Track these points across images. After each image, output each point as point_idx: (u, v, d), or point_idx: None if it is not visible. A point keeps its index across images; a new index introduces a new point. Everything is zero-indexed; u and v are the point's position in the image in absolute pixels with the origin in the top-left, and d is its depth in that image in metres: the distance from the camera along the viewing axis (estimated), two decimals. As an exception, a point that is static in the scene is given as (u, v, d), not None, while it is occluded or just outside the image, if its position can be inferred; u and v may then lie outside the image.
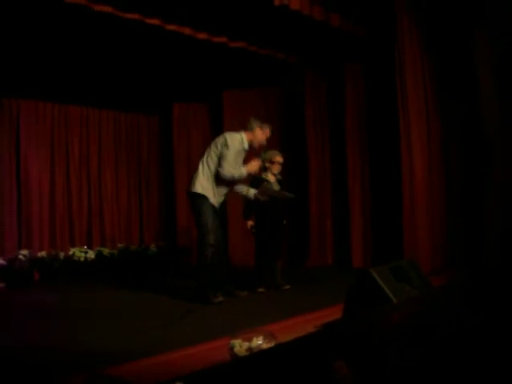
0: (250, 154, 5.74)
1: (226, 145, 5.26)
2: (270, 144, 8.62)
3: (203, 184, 5.29)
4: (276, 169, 6.01)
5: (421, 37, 6.64)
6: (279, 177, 6.12)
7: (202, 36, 6.67)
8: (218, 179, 5.32)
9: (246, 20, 6.53)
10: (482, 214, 6.29)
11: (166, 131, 9.76)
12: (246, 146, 5.44)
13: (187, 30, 6.46)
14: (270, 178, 6.01)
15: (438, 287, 4.38)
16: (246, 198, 5.83)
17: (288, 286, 5.93)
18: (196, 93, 8.96)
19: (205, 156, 5.41)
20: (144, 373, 3.03)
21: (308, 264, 8.23)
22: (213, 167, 5.31)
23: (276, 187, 5.98)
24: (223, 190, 5.45)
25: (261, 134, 5.48)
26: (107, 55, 7.19)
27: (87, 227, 8.95)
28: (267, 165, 5.98)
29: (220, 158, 5.25)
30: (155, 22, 6.17)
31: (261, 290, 5.83)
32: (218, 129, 8.12)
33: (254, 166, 5.47)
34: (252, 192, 5.64)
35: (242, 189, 5.66)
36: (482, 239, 6.23)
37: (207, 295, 5.16)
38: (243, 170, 5.37)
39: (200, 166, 5.38)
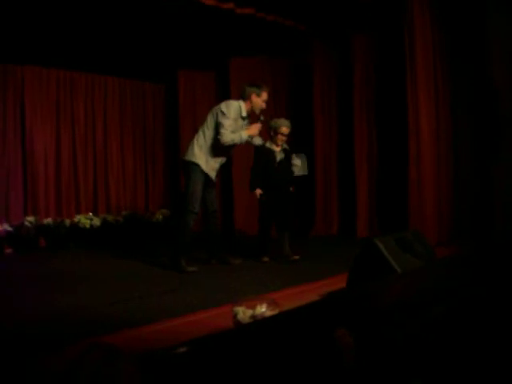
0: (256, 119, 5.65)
1: (222, 112, 5.24)
2: (277, 112, 8.71)
3: (195, 152, 5.31)
4: (280, 140, 5.84)
5: (431, 9, 6.51)
6: (285, 146, 5.97)
7: (210, 2, 6.55)
8: (213, 148, 5.32)
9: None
10: (491, 186, 6.25)
11: (171, 98, 9.69)
12: (243, 113, 5.38)
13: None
14: (275, 147, 5.88)
15: (442, 258, 4.36)
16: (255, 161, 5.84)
17: (297, 257, 5.79)
18: (202, 60, 8.85)
19: (202, 125, 5.46)
20: (146, 339, 3.04)
21: (313, 233, 8.25)
22: (208, 136, 5.32)
23: (280, 156, 5.87)
24: (218, 159, 5.42)
25: (257, 99, 5.38)
26: (113, 21, 7.07)
27: (93, 194, 8.97)
28: (272, 134, 5.87)
29: (218, 126, 5.23)
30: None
31: (265, 259, 5.80)
32: (224, 97, 8.00)
33: (254, 128, 5.40)
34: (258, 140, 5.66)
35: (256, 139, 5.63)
36: (490, 211, 6.21)
37: (180, 263, 5.20)
38: (243, 134, 5.30)
39: (195, 135, 5.44)
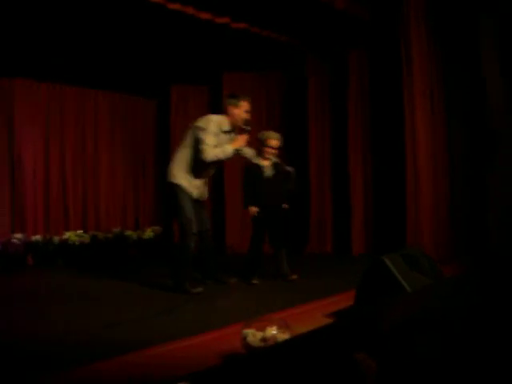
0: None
1: (200, 128, 4.92)
2: (271, 126, 8.60)
3: (175, 173, 5.05)
4: (268, 153, 5.51)
5: (427, 21, 6.52)
6: (275, 160, 5.62)
7: (205, 16, 6.48)
8: (194, 166, 5.03)
9: (249, 0, 6.36)
10: (486, 201, 6.22)
11: (163, 114, 9.57)
12: (225, 127, 5.05)
13: (190, 10, 6.27)
14: (263, 162, 5.55)
15: (450, 277, 4.28)
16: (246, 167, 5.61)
17: (295, 276, 5.54)
18: (196, 75, 8.78)
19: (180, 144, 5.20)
20: (145, 365, 2.88)
21: (307, 250, 8.15)
22: (187, 154, 5.03)
23: (269, 172, 5.56)
24: (201, 178, 5.15)
25: (236, 110, 5.07)
26: (105, 34, 6.97)
27: (82, 211, 8.79)
28: (260, 147, 5.54)
29: (198, 143, 4.90)
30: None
31: (255, 281, 5.45)
32: (217, 112, 7.93)
33: (240, 140, 5.05)
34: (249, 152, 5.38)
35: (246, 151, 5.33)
36: (487, 227, 6.16)
37: (184, 286, 4.94)
38: (228, 148, 4.96)
39: (174, 155, 5.18)
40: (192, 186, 5.06)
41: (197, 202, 5.16)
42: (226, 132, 5.08)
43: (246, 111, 5.11)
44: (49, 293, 5.40)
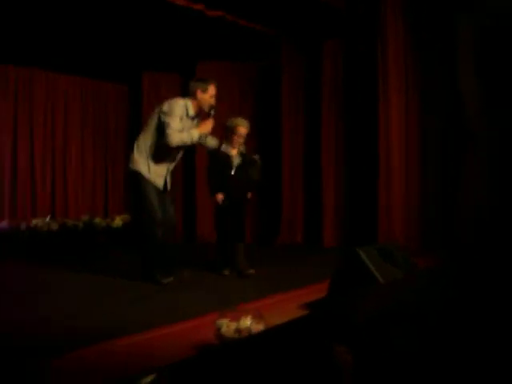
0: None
1: (164, 112, 4.67)
2: (244, 116, 8.55)
3: (135, 158, 4.81)
4: (236, 142, 5.31)
5: (404, 16, 6.54)
6: (242, 149, 5.42)
7: (181, 2, 6.38)
8: (157, 153, 4.79)
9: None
10: (458, 197, 6.29)
11: (134, 101, 9.43)
12: (191, 112, 4.81)
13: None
14: (230, 150, 5.35)
15: (424, 269, 4.32)
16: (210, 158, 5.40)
17: (252, 271, 5.30)
18: (169, 63, 8.65)
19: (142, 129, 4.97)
20: (120, 353, 2.85)
21: (278, 241, 8.13)
22: (149, 139, 4.78)
23: (236, 161, 5.35)
24: (164, 165, 4.89)
25: (203, 95, 4.82)
26: (78, 17, 6.81)
27: (50, 198, 8.62)
28: (228, 135, 5.32)
29: (163, 127, 4.65)
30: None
31: (226, 272, 5.36)
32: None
33: (206, 125, 4.85)
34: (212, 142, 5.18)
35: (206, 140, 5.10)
36: (458, 220, 6.24)
37: (154, 275, 4.78)
38: (194, 133, 4.74)
39: (135, 141, 4.93)
40: (155, 173, 4.82)
41: (161, 192, 4.90)
42: (190, 117, 4.86)
43: (212, 96, 4.88)
44: (17, 282, 5.29)
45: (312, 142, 8.08)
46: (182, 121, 4.75)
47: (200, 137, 4.87)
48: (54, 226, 7.90)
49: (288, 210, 8.25)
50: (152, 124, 4.80)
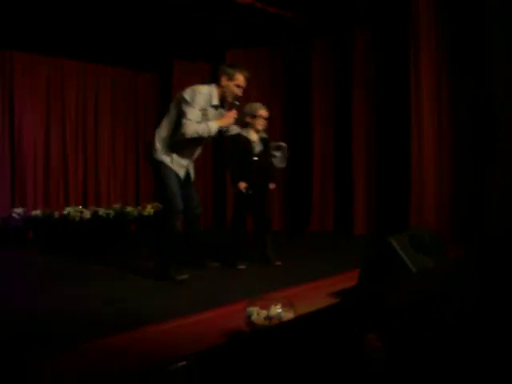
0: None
1: (185, 100, 4.34)
2: (274, 105, 8.53)
3: (157, 147, 4.49)
4: (260, 124, 5.07)
5: (436, 6, 6.41)
6: (263, 134, 5.20)
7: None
8: (178, 142, 4.46)
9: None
10: (489, 186, 6.18)
11: (165, 89, 9.45)
12: (214, 101, 4.46)
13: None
14: (252, 136, 5.10)
15: (453, 258, 4.26)
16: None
17: (279, 263, 5.13)
18: (198, 51, 8.66)
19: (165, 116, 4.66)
20: (150, 341, 2.87)
21: (309, 229, 8.11)
22: (170, 128, 4.48)
23: (258, 148, 5.12)
24: (185, 155, 4.56)
25: (228, 82, 4.46)
26: (107, 7, 6.84)
27: (82, 187, 8.74)
28: (248, 120, 5.07)
29: (181, 116, 4.35)
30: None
31: (242, 266, 5.07)
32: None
33: (228, 118, 4.49)
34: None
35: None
36: (489, 209, 6.13)
37: (168, 271, 4.46)
38: (212, 125, 4.38)
39: (157, 128, 4.63)
40: (175, 164, 4.51)
41: (183, 182, 4.62)
42: (214, 106, 4.50)
43: (239, 86, 4.51)
44: (48, 270, 5.37)
45: (343, 129, 8.01)
46: (205, 111, 4.42)
47: (220, 128, 4.52)
48: (86, 215, 8.00)
49: (318, 198, 8.21)
50: (173, 112, 4.49)
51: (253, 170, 5.04)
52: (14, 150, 7.90)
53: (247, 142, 5.06)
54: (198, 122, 4.34)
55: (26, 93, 8.00)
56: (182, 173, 4.57)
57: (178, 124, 4.41)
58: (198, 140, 4.52)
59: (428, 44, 6.43)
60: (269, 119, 5.19)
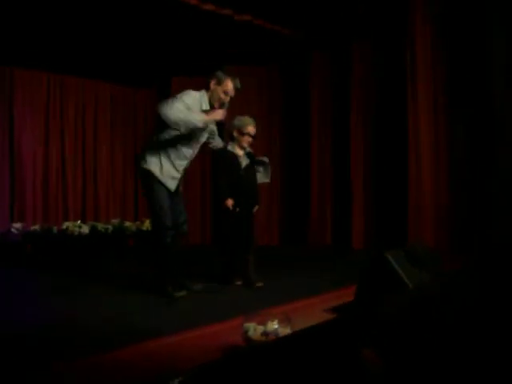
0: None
1: (174, 97, 4.23)
2: (273, 121, 8.59)
3: (147, 157, 4.34)
4: (246, 142, 4.86)
5: (432, 13, 6.48)
6: (248, 149, 4.95)
7: (208, 7, 6.44)
8: (169, 151, 4.32)
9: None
10: (489, 197, 6.19)
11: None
12: (204, 106, 4.32)
13: (194, 1, 6.24)
14: (237, 151, 4.89)
15: (451, 272, 4.26)
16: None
17: (261, 284, 4.82)
18: (196, 67, 8.70)
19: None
20: (152, 355, 2.89)
21: (307, 243, 8.13)
22: (160, 138, 4.31)
23: (245, 162, 4.91)
24: (177, 165, 4.40)
25: (216, 87, 4.32)
26: (106, 24, 6.92)
27: (81, 201, 8.80)
28: (235, 135, 4.86)
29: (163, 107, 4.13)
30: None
31: (238, 282, 4.94)
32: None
33: (217, 114, 4.26)
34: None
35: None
36: (489, 221, 6.14)
37: (166, 288, 4.37)
38: (197, 115, 4.18)
39: (148, 140, 4.51)
40: (165, 174, 4.35)
41: (173, 193, 4.46)
42: (204, 111, 4.32)
43: (227, 92, 4.35)
44: (46, 284, 5.38)
45: (340, 143, 8.06)
46: (192, 111, 4.23)
47: (206, 123, 4.25)
48: (85, 230, 8.02)
49: (316, 211, 8.24)
50: (162, 124, 4.22)
51: (240, 185, 4.83)
52: (13, 165, 7.96)
53: (233, 157, 4.87)
54: (183, 111, 4.12)
55: (26, 108, 8.09)
56: (172, 185, 4.42)
57: (167, 132, 4.27)
58: (190, 146, 4.40)
59: (424, 57, 6.50)
60: (254, 137, 4.95)
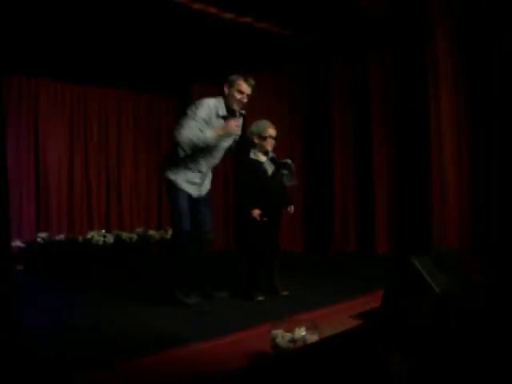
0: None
1: (186, 114, 4.32)
2: (294, 125, 8.58)
3: (167, 166, 4.46)
4: (269, 145, 4.74)
5: (451, 20, 6.43)
6: (272, 154, 4.84)
7: (228, 16, 6.47)
8: (187, 158, 4.35)
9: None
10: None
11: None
12: (221, 111, 4.33)
13: (213, 10, 6.26)
14: (261, 157, 4.78)
15: (479, 280, 4.23)
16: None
17: (286, 293, 4.79)
18: (216, 75, 8.76)
19: None
20: (182, 361, 2.91)
21: (331, 250, 8.09)
22: (178, 146, 4.34)
23: (270, 168, 4.80)
24: (196, 172, 4.42)
25: (229, 89, 4.34)
26: (128, 34, 6.99)
27: (105, 211, 8.86)
28: (256, 141, 4.75)
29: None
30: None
31: (260, 298, 4.65)
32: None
33: (229, 126, 4.26)
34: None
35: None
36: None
37: (177, 295, 4.36)
38: (208, 133, 4.22)
39: (168, 148, 4.60)
40: (186, 180, 4.39)
41: (196, 200, 4.48)
42: (221, 117, 4.35)
43: (241, 92, 4.33)
44: (71, 293, 5.43)
45: (363, 148, 8.01)
46: (210, 122, 4.29)
47: (218, 137, 4.29)
48: (110, 239, 8.09)
49: (340, 218, 8.19)
50: None
51: (268, 194, 4.71)
52: (38, 174, 8.05)
53: (258, 165, 4.76)
54: (194, 131, 4.20)
55: (51, 118, 8.20)
56: (193, 191, 4.44)
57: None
58: (209, 155, 4.41)
59: (445, 60, 6.42)
60: (276, 139, 4.86)
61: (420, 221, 6.88)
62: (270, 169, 4.80)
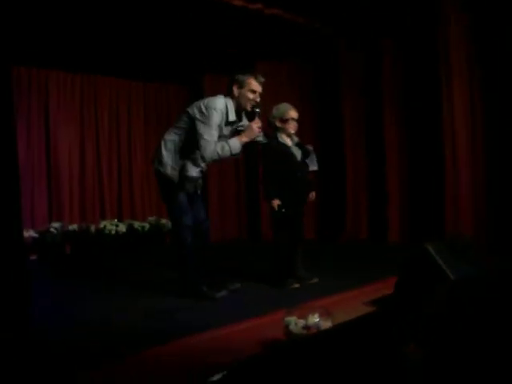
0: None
1: (200, 118, 4.03)
2: (305, 116, 8.52)
3: (163, 160, 4.20)
4: (292, 127, 4.60)
5: (466, 6, 6.34)
6: (296, 139, 4.72)
7: (238, 2, 6.41)
8: (188, 156, 4.20)
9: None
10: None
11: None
12: (231, 117, 4.15)
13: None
14: (286, 140, 4.64)
15: (496, 266, 4.18)
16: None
17: (316, 280, 4.74)
18: (227, 65, 8.71)
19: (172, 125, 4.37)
20: (194, 350, 2.91)
21: (343, 237, 8.06)
22: (179, 139, 4.20)
23: (297, 153, 4.66)
24: (197, 168, 4.28)
25: (241, 91, 4.13)
26: (138, 24, 6.96)
27: (117, 200, 8.87)
28: (278, 125, 4.59)
29: (197, 136, 4.02)
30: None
31: (296, 285, 4.62)
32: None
33: (251, 130, 4.12)
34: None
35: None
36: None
37: (201, 289, 4.24)
38: (233, 143, 4.04)
39: (162, 138, 4.33)
40: (186, 178, 4.24)
41: (191, 194, 4.37)
42: (230, 123, 4.21)
43: (253, 91, 4.14)
44: (85, 282, 5.47)
45: (374, 136, 7.96)
46: (221, 126, 4.13)
47: (243, 145, 4.12)
48: (122, 228, 8.12)
49: (352, 205, 8.17)
50: (182, 125, 4.21)
51: (295, 180, 4.58)
52: (50, 165, 8.07)
53: (286, 148, 4.60)
54: (216, 142, 4.03)
55: (61, 109, 8.20)
56: (191, 187, 4.34)
57: (190, 142, 4.14)
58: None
59: (458, 47, 6.35)
60: (298, 121, 4.70)
61: (433, 208, 6.85)
62: (297, 154, 4.67)
